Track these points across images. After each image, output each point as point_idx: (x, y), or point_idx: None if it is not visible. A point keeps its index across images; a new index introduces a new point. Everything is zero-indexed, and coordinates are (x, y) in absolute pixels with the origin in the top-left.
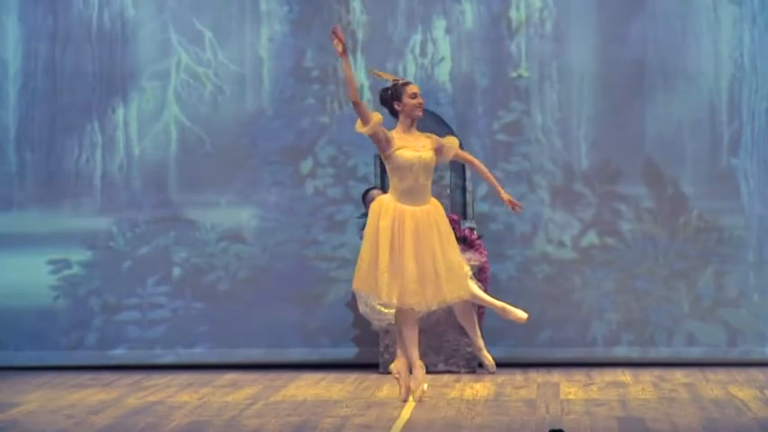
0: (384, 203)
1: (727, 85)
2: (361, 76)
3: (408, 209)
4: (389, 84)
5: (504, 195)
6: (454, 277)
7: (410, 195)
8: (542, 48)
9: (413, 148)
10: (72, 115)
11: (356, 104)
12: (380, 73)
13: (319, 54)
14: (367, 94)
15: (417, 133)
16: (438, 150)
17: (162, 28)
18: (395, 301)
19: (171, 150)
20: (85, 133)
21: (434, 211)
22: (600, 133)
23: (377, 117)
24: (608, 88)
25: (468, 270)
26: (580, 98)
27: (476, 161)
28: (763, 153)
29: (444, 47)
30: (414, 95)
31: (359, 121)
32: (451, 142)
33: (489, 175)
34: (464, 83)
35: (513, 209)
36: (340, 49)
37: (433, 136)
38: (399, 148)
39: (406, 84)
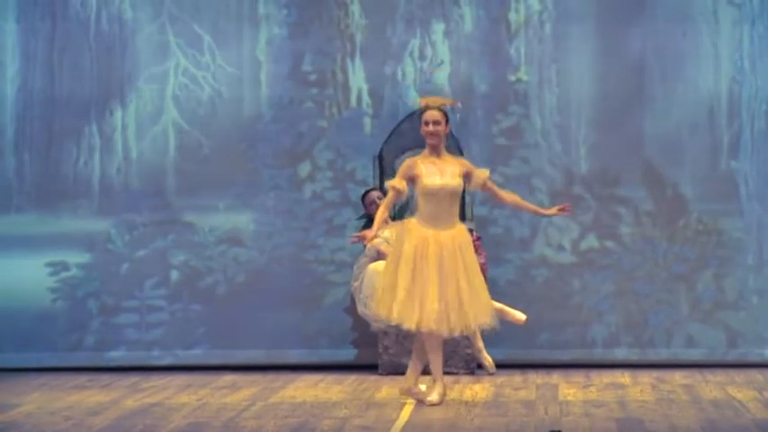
0: (408, 227)
1: (727, 87)
2: (358, 79)
3: (432, 233)
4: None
5: (550, 211)
6: (477, 303)
7: (435, 220)
8: (541, 51)
9: (439, 175)
10: (70, 118)
11: (389, 206)
12: (425, 100)
13: (318, 58)
14: (366, 99)
15: (447, 157)
16: (466, 177)
17: (160, 31)
18: (413, 326)
19: (169, 153)
20: (83, 136)
21: (459, 236)
22: (599, 137)
23: (395, 187)
24: (607, 91)
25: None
26: (579, 101)
27: (505, 194)
28: (762, 156)
29: (443, 50)
30: (426, 123)
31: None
32: (481, 174)
33: (524, 203)
34: (463, 86)
35: (565, 211)
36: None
37: (464, 162)
38: (426, 176)
39: (424, 110)
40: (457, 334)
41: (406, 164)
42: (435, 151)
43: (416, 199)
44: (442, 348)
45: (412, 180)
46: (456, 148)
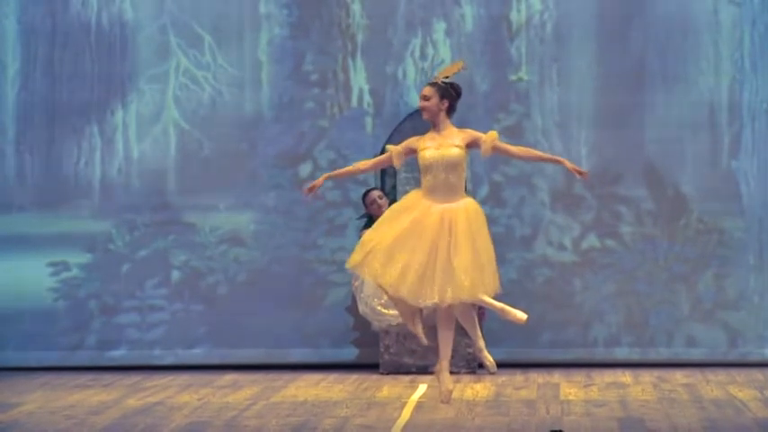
0: (412, 197)
1: (728, 86)
2: (360, 79)
3: (434, 205)
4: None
5: (569, 165)
6: (457, 276)
7: (436, 192)
8: (542, 50)
9: (437, 146)
10: (71, 118)
11: (376, 164)
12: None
13: (319, 57)
14: (367, 98)
15: (452, 130)
16: (473, 144)
17: (161, 31)
18: (384, 285)
19: (170, 153)
20: (84, 136)
21: (453, 211)
22: (600, 136)
23: (391, 150)
24: (608, 90)
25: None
26: (580, 101)
27: (519, 150)
28: (763, 155)
29: (444, 50)
30: (419, 99)
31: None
32: (489, 137)
33: (540, 153)
34: (464, 86)
35: (582, 175)
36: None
37: (470, 131)
38: (423, 149)
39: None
40: (429, 304)
41: (411, 138)
42: (437, 127)
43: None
44: (449, 325)
45: (411, 152)
46: None
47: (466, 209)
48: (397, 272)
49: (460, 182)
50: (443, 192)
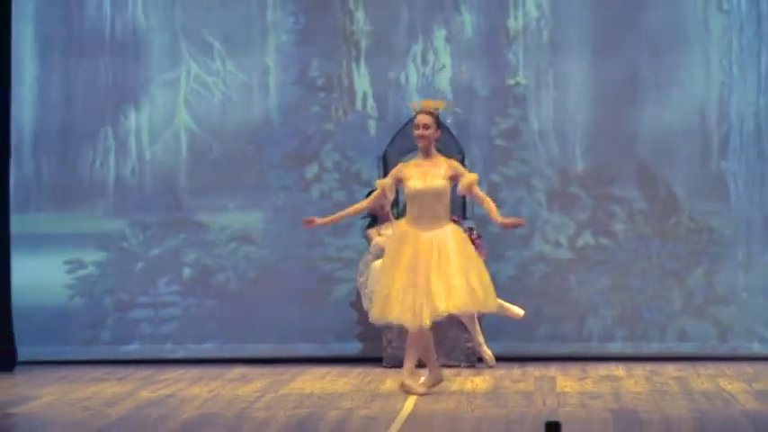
0: (395, 229)
1: (717, 91)
2: (363, 84)
3: (414, 232)
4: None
5: (507, 221)
6: (449, 292)
7: (422, 220)
8: (539, 56)
9: (422, 178)
10: (86, 122)
11: (371, 203)
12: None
13: (324, 63)
14: (371, 102)
15: (438, 158)
16: (454, 178)
17: (172, 38)
18: (377, 320)
19: (181, 156)
20: (99, 139)
21: (442, 235)
22: (594, 138)
23: (381, 185)
24: (602, 95)
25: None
26: (575, 104)
27: (488, 202)
28: (751, 156)
29: (445, 55)
30: (416, 126)
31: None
32: (469, 179)
33: (493, 214)
34: (464, 90)
35: (516, 225)
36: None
37: (454, 164)
38: (409, 179)
39: (416, 114)
40: (425, 322)
41: (396, 167)
42: (425, 153)
43: (406, 201)
44: (420, 341)
45: (400, 182)
46: (457, 150)
47: (453, 234)
48: (383, 304)
49: (446, 210)
50: (429, 220)
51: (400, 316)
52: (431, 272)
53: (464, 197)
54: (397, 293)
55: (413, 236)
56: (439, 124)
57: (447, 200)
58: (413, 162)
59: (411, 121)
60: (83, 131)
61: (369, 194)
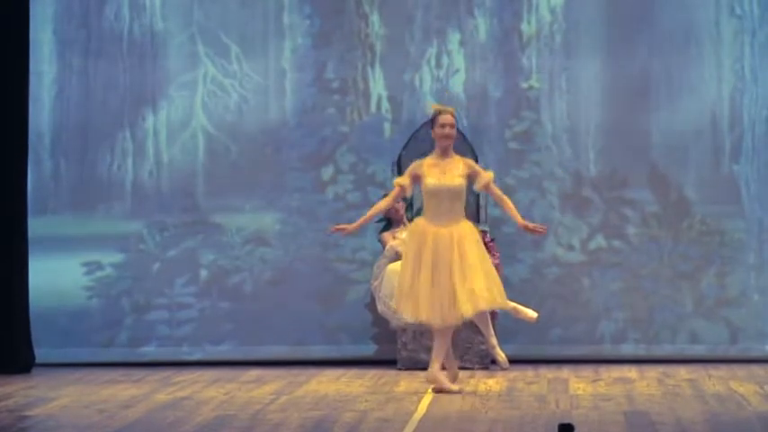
0: (412, 228)
1: (729, 94)
2: (379, 87)
3: (433, 229)
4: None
5: (529, 225)
6: (472, 293)
7: (437, 217)
8: (552, 60)
9: (441, 176)
10: (104, 124)
11: (391, 201)
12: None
13: (340, 66)
14: (385, 105)
15: (454, 157)
16: (471, 177)
17: (190, 41)
18: (409, 318)
19: (198, 157)
20: (117, 141)
21: (459, 230)
22: (607, 141)
23: (401, 184)
24: (615, 98)
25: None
26: (588, 108)
27: (506, 200)
28: (762, 159)
29: (459, 59)
30: (442, 125)
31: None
32: (486, 177)
33: (512, 212)
34: (478, 93)
35: (537, 232)
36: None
37: (470, 162)
38: (427, 176)
39: (439, 113)
40: (452, 323)
41: (412, 165)
42: (446, 153)
43: (423, 198)
44: (447, 338)
45: (417, 179)
46: (470, 153)
47: (471, 231)
48: (412, 303)
49: (462, 208)
50: (447, 217)
51: (428, 316)
52: (453, 271)
53: (477, 203)
54: (424, 292)
55: (432, 233)
56: (457, 125)
57: (464, 198)
58: (430, 161)
59: (426, 124)
60: (101, 133)
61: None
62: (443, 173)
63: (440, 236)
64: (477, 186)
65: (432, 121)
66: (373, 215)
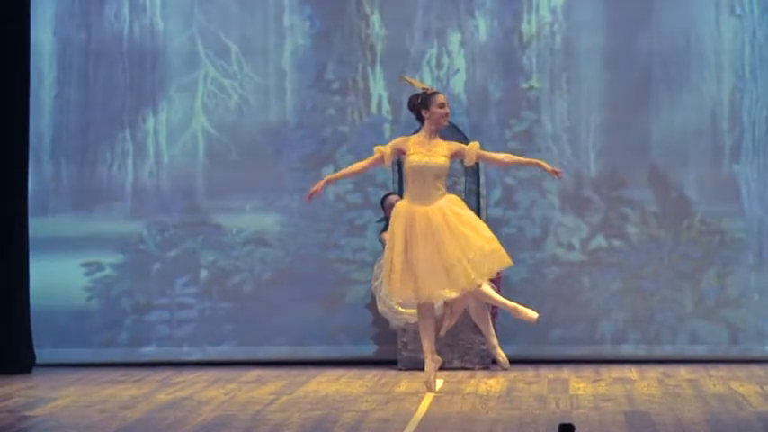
0: (397, 209)
1: (729, 94)
2: (379, 87)
3: (420, 209)
4: (419, 91)
5: (546, 166)
6: (469, 265)
7: (421, 197)
8: (552, 60)
9: (425, 154)
10: (104, 124)
11: (367, 166)
12: (411, 80)
13: (340, 67)
14: (386, 105)
15: (439, 140)
16: (457, 155)
17: (190, 42)
18: (411, 298)
19: (198, 158)
20: (117, 141)
21: (445, 204)
22: (607, 141)
23: (381, 151)
24: (615, 98)
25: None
26: (588, 108)
27: (501, 156)
28: (763, 159)
29: (459, 59)
30: (441, 105)
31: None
32: (472, 146)
33: (524, 160)
34: (478, 94)
35: (557, 174)
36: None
37: (453, 143)
38: (412, 154)
39: (435, 93)
40: (453, 296)
41: (398, 139)
42: (435, 134)
43: (405, 178)
44: (433, 317)
45: (400, 153)
46: None
47: (456, 201)
48: (410, 284)
49: (443, 188)
50: (428, 196)
51: (430, 292)
52: (452, 245)
53: (478, 204)
54: (423, 270)
55: (421, 213)
56: None
57: (445, 178)
58: (416, 138)
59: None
60: (101, 134)
61: (383, 199)
62: (428, 152)
63: (429, 215)
64: (468, 161)
65: (424, 102)
66: (345, 174)
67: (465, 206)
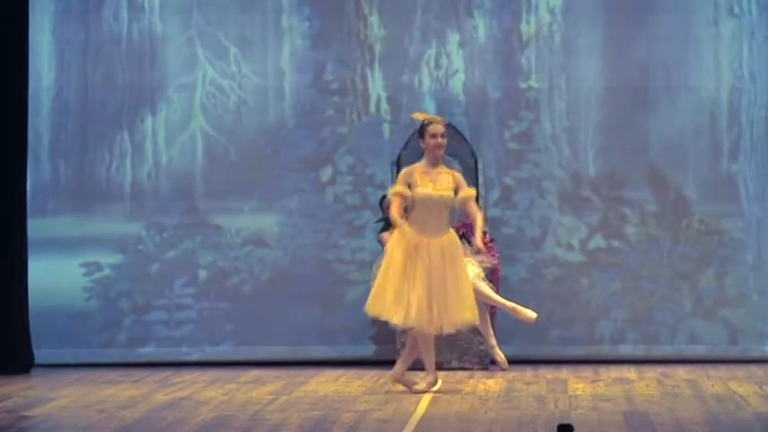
0: (400, 234)
1: (727, 94)
2: (377, 88)
3: (424, 240)
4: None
5: (478, 242)
6: (463, 304)
7: (426, 227)
8: (551, 60)
9: (433, 186)
10: (103, 125)
11: (400, 210)
12: (420, 115)
13: (339, 67)
14: (384, 106)
15: (442, 168)
16: (457, 190)
17: (188, 43)
18: (400, 322)
19: (197, 159)
20: (116, 143)
21: (448, 243)
22: (606, 141)
23: (399, 192)
24: (614, 98)
25: (480, 271)
26: (587, 108)
27: (478, 219)
28: (761, 159)
29: (458, 60)
30: (433, 136)
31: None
32: (468, 193)
33: (477, 231)
34: (477, 94)
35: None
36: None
37: (457, 175)
38: (419, 185)
39: (430, 123)
40: (445, 332)
41: (404, 172)
42: (436, 163)
43: (409, 205)
44: (433, 346)
45: (410, 186)
46: (470, 153)
47: (457, 243)
48: (405, 309)
49: (449, 217)
50: (435, 227)
51: (418, 322)
52: (449, 280)
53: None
54: (417, 299)
55: (425, 244)
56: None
57: (450, 209)
58: (420, 168)
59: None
60: (99, 135)
61: (382, 199)
62: (434, 182)
63: (432, 246)
64: (456, 201)
65: (420, 132)
66: (402, 220)
67: (461, 247)
